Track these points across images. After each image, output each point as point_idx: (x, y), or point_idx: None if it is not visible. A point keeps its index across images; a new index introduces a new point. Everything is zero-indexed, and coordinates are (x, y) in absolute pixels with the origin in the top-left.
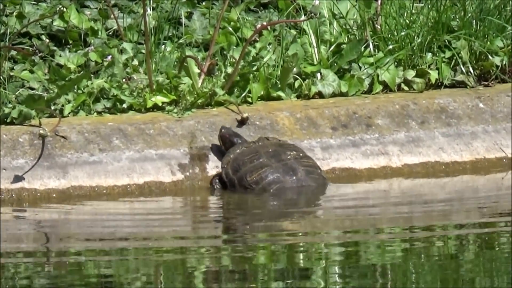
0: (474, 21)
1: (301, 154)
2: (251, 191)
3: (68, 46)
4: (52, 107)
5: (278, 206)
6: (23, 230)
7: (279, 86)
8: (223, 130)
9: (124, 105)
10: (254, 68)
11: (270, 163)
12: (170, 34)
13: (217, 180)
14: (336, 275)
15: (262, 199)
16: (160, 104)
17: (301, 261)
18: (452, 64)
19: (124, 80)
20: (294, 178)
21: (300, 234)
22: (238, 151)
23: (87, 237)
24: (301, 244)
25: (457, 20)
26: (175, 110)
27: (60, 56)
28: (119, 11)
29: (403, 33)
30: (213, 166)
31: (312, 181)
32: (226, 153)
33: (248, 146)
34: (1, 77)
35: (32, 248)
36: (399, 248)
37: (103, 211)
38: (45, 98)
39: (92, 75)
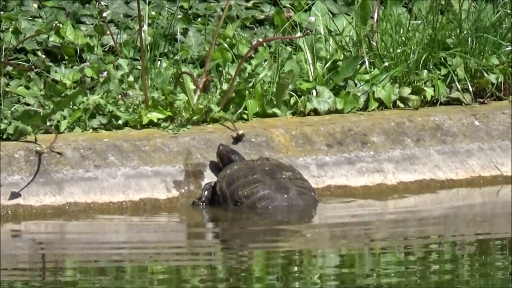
0: (469, 38)
1: (297, 176)
2: (240, 205)
3: (64, 62)
4: (48, 123)
5: (269, 224)
6: (18, 247)
7: (275, 103)
8: (221, 147)
9: (120, 121)
10: (250, 85)
11: (264, 180)
12: (165, 51)
13: (206, 189)
14: None
15: (250, 216)
16: (155, 121)
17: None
18: (448, 81)
19: (119, 96)
20: (285, 196)
21: (296, 253)
22: (235, 167)
23: (82, 255)
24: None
25: (453, 37)
26: (171, 127)
27: (56, 72)
28: (115, 27)
29: (399, 50)
30: None
31: (302, 201)
32: (224, 168)
33: (246, 163)
34: None
35: (28, 266)
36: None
37: (99, 229)
38: (41, 114)
39: (87, 91)
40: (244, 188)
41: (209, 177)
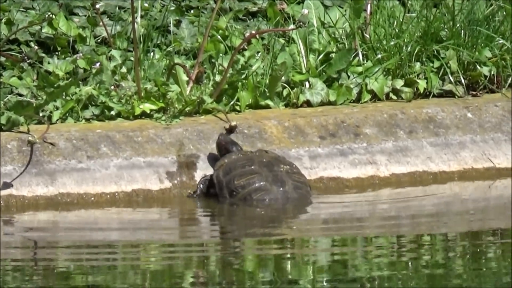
0: (462, 31)
1: (294, 170)
2: (236, 194)
3: (57, 53)
4: (41, 114)
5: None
6: (10, 236)
7: (268, 94)
8: (220, 137)
9: (112, 112)
10: (243, 77)
11: (261, 171)
12: (158, 42)
13: (201, 183)
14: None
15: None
16: (148, 112)
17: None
18: (441, 73)
19: (112, 87)
20: (281, 189)
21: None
22: (234, 157)
23: (74, 244)
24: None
25: (446, 30)
26: (163, 118)
27: (49, 63)
28: (108, 19)
29: (392, 43)
30: (201, 175)
31: (297, 195)
32: (221, 157)
33: (245, 154)
34: None
35: (20, 256)
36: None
37: (91, 219)
38: (34, 105)
39: (80, 82)
40: (240, 178)
41: (201, 169)
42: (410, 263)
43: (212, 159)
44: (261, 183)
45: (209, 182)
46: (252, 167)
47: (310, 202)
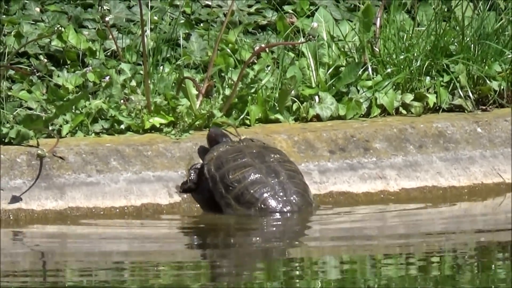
0: (472, 45)
1: (284, 158)
2: (232, 189)
3: (66, 66)
4: (50, 128)
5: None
6: (19, 252)
7: (277, 108)
8: (211, 129)
9: (122, 126)
10: (252, 90)
11: (254, 163)
12: (168, 56)
13: (192, 171)
14: None
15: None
16: (158, 126)
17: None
18: (450, 88)
19: (122, 101)
20: (276, 180)
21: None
22: (221, 149)
23: (84, 258)
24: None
25: (456, 44)
26: (173, 132)
27: (58, 76)
28: (118, 32)
29: (401, 57)
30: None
31: (293, 185)
32: (210, 150)
33: (233, 145)
34: None
35: (29, 270)
36: None
37: (100, 233)
38: (43, 118)
39: (90, 95)
40: (235, 172)
41: None
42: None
43: (203, 152)
44: (256, 175)
45: (199, 172)
46: (244, 159)
47: (306, 192)
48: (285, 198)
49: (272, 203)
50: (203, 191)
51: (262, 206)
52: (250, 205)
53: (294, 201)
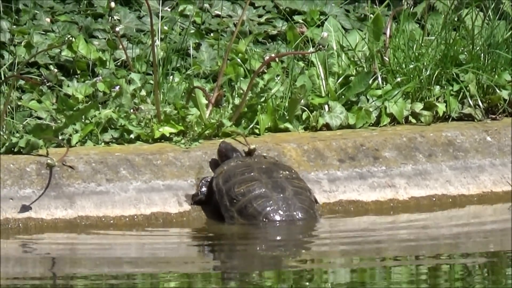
0: (482, 54)
1: (294, 176)
2: (236, 202)
3: (76, 76)
4: (60, 137)
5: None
6: (29, 261)
7: (287, 117)
8: (221, 144)
9: (132, 136)
10: (262, 100)
11: (260, 178)
12: (178, 65)
13: (203, 185)
14: None
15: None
16: (167, 135)
17: None
18: (460, 97)
19: (131, 110)
20: (281, 195)
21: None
22: (232, 163)
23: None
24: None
25: (466, 53)
26: (183, 141)
27: (68, 86)
28: (128, 42)
29: (411, 66)
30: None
31: (298, 201)
32: (221, 164)
33: (243, 160)
34: (9, 107)
35: (38, 278)
36: None
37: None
38: (53, 128)
39: (100, 105)
40: (240, 186)
41: None
42: None
43: (214, 165)
44: (261, 190)
45: (209, 185)
46: (251, 174)
47: (311, 207)
48: (288, 213)
49: (275, 217)
50: (212, 203)
51: (264, 219)
52: (252, 218)
53: (297, 216)
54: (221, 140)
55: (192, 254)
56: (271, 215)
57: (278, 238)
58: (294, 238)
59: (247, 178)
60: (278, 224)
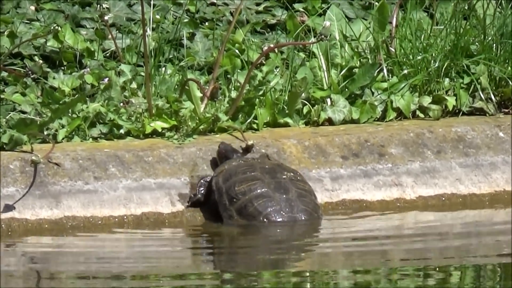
0: (494, 45)
1: (298, 178)
2: (236, 201)
3: (63, 67)
4: (45, 132)
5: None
6: (11, 265)
7: (287, 112)
8: (221, 146)
9: (122, 131)
10: (260, 93)
11: (263, 178)
12: (171, 56)
13: (201, 186)
14: None
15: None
16: (159, 130)
17: None
18: (471, 90)
19: (121, 104)
20: (284, 196)
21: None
22: (234, 163)
23: (81, 274)
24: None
25: (477, 44)
26: (176, 137)
27: (54, 78)
28: (117, 32)
29: (419, 57)
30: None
31: (302, 204)
32: (222, 163)
33: (246, 160)
34: None
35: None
36: None
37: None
38: (38, 123)
39: (87, 98)
40: (241, 184)
41: None
42: None
43: (214, 164)
44: (263, 189)
45: (208, 185)
46: (254, 173)
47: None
48: (290, 215)
49: (276, 218)
50: (210, 203)
51: (265, 220)
52: (252, 218)
53: (300, 218)
54: (217, 135)
55: (185, 258)
56: (272, 215)
57: (278, 239)
58: (295, 240)
59: (249, 177)
60: (279, 226)
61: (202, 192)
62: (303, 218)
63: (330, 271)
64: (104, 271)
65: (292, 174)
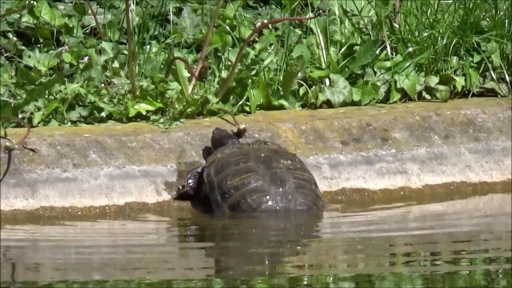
0: (506, 20)
1: (297, 166)
2: (229, 197)
3: (39, 45)
4: (20, 116)
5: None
6: None
7: (282, 93)
8: (214, 131)
9: (103, 114)
10: (253, 73)
11: (258, 169)
12: (156, 33)
13: (191, 177)
14: None
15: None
16: (144, 113)
17: None
18: (481, 69)
19: (102, 85)
20: (280, 189)
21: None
22: (227, 151)
23: (58, 267)
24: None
25: (488, 19)
26: (162, 120)
27: (29, 56)
28: (98, 6)
29: (425, 34)
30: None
31: (300, 196)
32: (214, 151)
33: (240, 147)
34: None
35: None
36: None
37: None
38: (12, 105)
39: (65, 79)
40: (234, 178)
41: None
42: None
43: (207, 154)
44: (257, 183)
45: (199, 176)
46: (248, 163)
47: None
48: (287, 210)
49: (271, 214)
50: (201, 195)
51: (260, 217)
52: (246, 215)
53: (298, 213)
54: (206, 119)
55: (171, 253)
56: (268, 212)
57: (273, 234)
58: (289, 236)
59: (242, 169)
60: (274, 222)
61: (191, 184)
62: (301, 212)
63: (327, 273)
64: (84, 262)
65: (289, 161)
